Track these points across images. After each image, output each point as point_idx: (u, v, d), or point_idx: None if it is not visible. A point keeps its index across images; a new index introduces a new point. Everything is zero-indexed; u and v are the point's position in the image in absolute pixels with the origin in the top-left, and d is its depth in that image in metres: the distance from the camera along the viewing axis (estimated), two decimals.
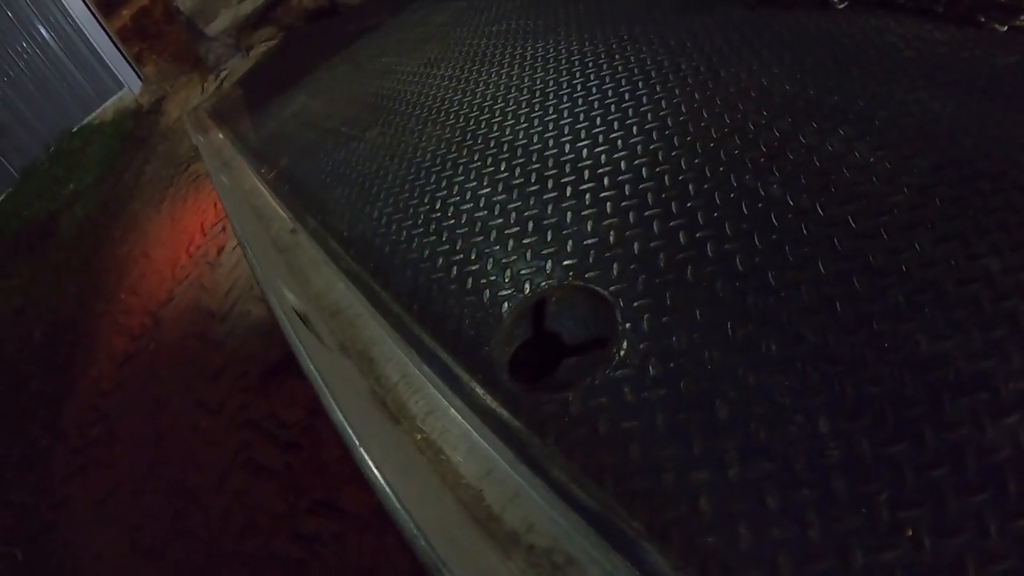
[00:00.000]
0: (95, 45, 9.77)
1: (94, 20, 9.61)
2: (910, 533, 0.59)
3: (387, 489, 0.75)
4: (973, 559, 0.56)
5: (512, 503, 0.75)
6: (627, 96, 1.30)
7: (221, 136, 2.47)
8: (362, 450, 0.80)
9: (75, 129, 9.75)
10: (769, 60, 1.23)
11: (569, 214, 1.08)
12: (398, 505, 0.73)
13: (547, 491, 0.74)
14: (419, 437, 0.88)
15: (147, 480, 3.37)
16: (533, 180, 1.20)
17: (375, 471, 0.77)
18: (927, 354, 0.69)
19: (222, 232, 4.95)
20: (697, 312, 0.83)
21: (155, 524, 3.09)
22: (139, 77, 10.17)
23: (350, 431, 0.83)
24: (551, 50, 1.65)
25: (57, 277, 6.36)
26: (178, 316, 4.44)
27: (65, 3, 9.34)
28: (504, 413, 0.84)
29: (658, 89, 1.28)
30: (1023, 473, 0.59)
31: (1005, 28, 1.12)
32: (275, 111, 2.42)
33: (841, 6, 1.31)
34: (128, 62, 10.09)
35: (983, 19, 1.14)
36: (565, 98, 1.40)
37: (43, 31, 9.49)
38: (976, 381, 0.66)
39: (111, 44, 9.90)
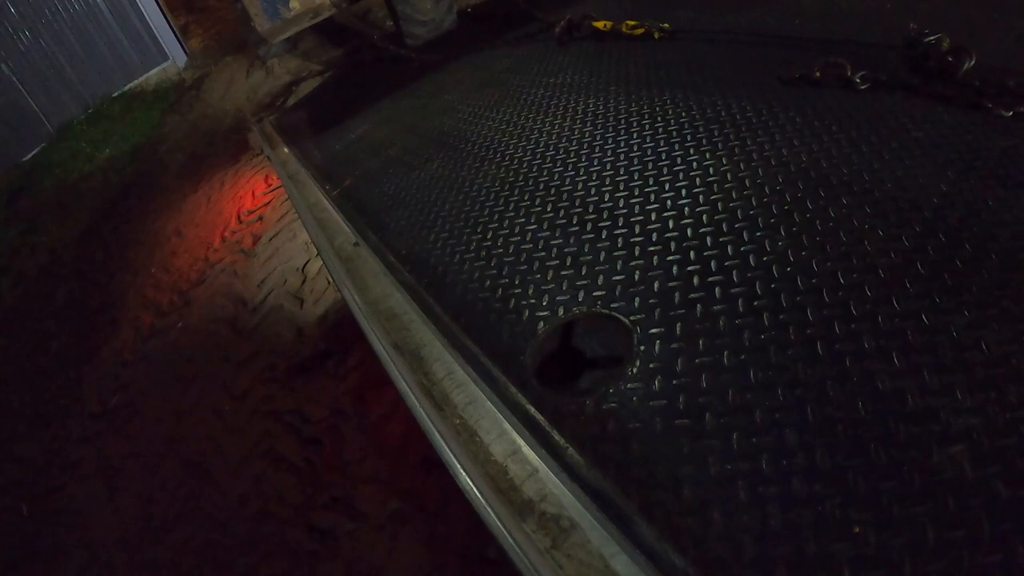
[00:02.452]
0: (143, 11, 10.05)
1: None
2: (857, 530, 0.78)
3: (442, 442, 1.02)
4: (910, 557, 0.74)
5: (530, 478, 1.00)
6: (662, 157, 1.57)
7: (286, 150, 2.82)
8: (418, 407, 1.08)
9: (115, 94, 10.01)
10: (791, 133, 1.48)
11: (602, 254, 1.34)
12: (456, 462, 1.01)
13: (560, 471, 0.98)
14: (458, 422, 1.14)
15: (163, 456, 3.51)
16: (574, 222, 1.47)
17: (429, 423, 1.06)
18: (887, 389, 0.90)
19: (259, 221, 5.14)
20: (700, 343, 1.07)
21: (168, 499, 3.23)
22: (184, 51, 10.48)
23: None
24: (600, 107, 1.95)
25: (85, 240, 6.55)
26: (208, 299, 4.59)
27: None
28: (531, 408, 1.09)
29: (690, 153, 1.55)
30: (961, 493, 0.77)
31: (1010, 114, 1.32)
32: (339, 133, 2.75)
33: (863, 87, 1.53)
34: (175, 34, 10.38)
35: (990, 105, 1.35)
36: (609, 152, 1.68)
37: None
38: (927, 414, 0.86)
39: (159, 13, 10.19)
